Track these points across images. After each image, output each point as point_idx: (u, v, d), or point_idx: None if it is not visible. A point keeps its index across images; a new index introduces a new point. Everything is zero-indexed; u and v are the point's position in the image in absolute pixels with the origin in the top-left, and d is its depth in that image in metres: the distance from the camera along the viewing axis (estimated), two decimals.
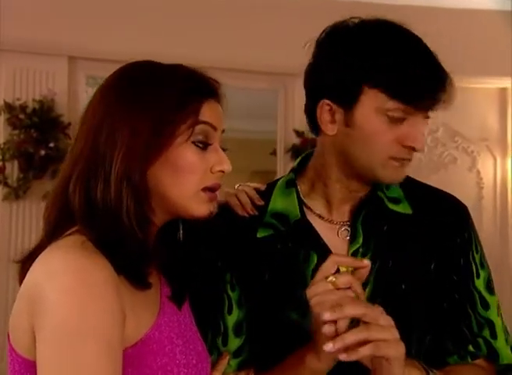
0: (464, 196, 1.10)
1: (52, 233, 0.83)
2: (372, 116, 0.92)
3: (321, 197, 1.03)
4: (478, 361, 1.01)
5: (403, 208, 1.01)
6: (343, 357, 0.77)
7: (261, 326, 1.00)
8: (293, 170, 1.05)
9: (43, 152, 3.23)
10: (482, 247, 1.04)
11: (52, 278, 0.76)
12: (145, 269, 0.84)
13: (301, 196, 1.03)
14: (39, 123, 3.28)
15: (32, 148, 3.23)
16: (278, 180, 1.07)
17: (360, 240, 0.99)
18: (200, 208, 0.88)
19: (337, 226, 1.01)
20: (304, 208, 1.02)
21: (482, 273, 1.02)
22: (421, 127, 0.92)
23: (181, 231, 0.94)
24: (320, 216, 1.02)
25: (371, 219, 0.99)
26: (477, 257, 1.02)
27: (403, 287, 0.97)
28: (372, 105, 0.91)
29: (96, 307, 0.75)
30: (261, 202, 1.04)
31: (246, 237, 1.01)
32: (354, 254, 0.98)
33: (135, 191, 0.83)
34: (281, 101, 3.84)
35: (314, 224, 1.00)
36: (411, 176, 1.10)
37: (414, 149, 0.93)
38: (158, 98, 0.85)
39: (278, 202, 1.03)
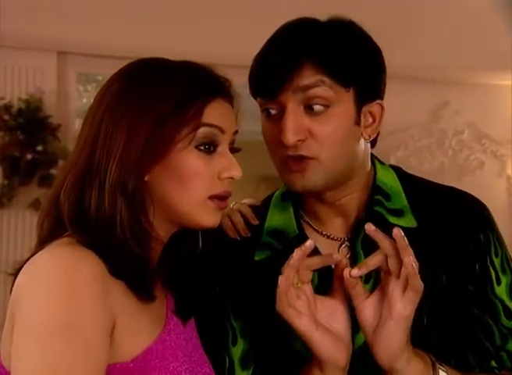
0: (493, 204, 1.09)
1: (45, 242, 0.84)
2: (261, 113, 0.98)
3: (311, 209, 1.02)
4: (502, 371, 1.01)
5: (407, 222, 0.99)
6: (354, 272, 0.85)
7: (268, 356, 0.99)
8: None
9: (29, 156, 3.24)
10: (507, 249, 1.02)
11: (35, 273, 0.78)
12: (148, 280, 0.85)
13: (299, 209, 1.02)
14: (25, 124, 3.29)
15: (18, 152, 3.24)
16: (274, 193, 1.07)
17: None
18: (208, 217, 0.88)
19: (337, 243, 1.01)
20: (303, 223, 1.02)
21: (504, 279, 1.00)
22: (291, 119, 0.93)
23: (200, 241, 0.95)
24: (318, 231, 1.02)
25: (372, 239, 0.97)
26: (496, 261, 1.00)
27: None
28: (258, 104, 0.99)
29: (77, 304, 0.75)
30: (256, 222, 1.04)
31: (243, 260, 1.02)
32: None
33: (130, 201, 0.83)
34: None
35: (313, 239, 0.98)
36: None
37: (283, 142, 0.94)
38: (156, 98, 0.85)
39: (274, 218, 1.03)
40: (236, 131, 0.91)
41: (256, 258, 1.01)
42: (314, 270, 0.95)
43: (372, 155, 1.04)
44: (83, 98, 3.88)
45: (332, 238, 1.01)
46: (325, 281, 0.94)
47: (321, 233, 1.01)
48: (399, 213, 1.00)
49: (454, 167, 3.95)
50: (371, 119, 0.98)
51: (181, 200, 0.86)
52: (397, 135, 3.74)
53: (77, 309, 0.75)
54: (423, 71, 3.57)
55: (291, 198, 1.03)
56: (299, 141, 0.93)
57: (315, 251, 0.98)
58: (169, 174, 0.85)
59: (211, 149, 0.87)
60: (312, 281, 0.93)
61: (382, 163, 1.05)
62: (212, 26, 3.49)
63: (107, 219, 0.83)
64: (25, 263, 0.83)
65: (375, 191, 1.01)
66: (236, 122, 0.92)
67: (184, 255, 0.95)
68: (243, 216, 1.06)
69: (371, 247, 0.98)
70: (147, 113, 0.84)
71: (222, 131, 0.88)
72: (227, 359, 1.00)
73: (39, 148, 3.26)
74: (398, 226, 0.98)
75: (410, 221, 1.00)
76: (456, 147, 3.99)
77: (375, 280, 0.94)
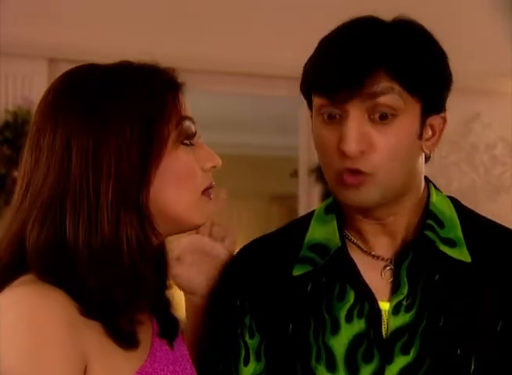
0: None
1: (2, 284, 0.84)
2: (314, 117, 1.01)
3: (354, 225, 1.04)
4: None
5: (460, 255, 1.00)
6: None
7: None
8: None
9: (17, 174, 3.24)
10: None
11: None
12: (133, 324, 0.85)
13: (341, 225, 1.04)
14: (12, 138, 3.30)
15: (4, 169, 3.25)
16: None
17: (405, 290, 0.99)
18: (201, 214, 0.93)
19: (381, 264, 1.02)
20: (346, 240, 1.04)
21: None
22: (354, 127, 0.94)
23: (169, 256, 0.99)
24: (361, 249, 1.03)
25: (419, 265, 0.99)
26: None
27: (459, 352, 0.95)
28: (313, 105, 1.01)
29: (43, 355, 0.76)
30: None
31: (278, 275, 1.04)
32: (397, 307, 0.98)
33: (140, 216, 0.85)
34: (303, 111, 3.84)
35: (354, 257, 1.02)
36: (465, 203, 1.09)
37: (345, 154, 0.95)
38: (135, 101, 0.87)
39: (316, 232, 1.06)
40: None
41: (294, 273, 1.03)
42: (351, 288, 0.99)
43: (427, 178, 1.05)
44: None
45: (375, 257, 1.02)
46: (373, 327, 0.97)
47: (365, 251, 1.02)
48: (452, 243, 1.00)
49: (487, 186, 3.92)
50: (430, 132, 1.00)
51: (179, 201, 0.89)
52: None
53: (44, 361, 0.76)
54: None
55: (335, 211, 1.04)
56: (361, 152, 0.94)
57: (355, 272, 1.00)
58: (164, 178, 0.88)
59: (193, 141, 0.91)
60: (347, 300, 0.98)
61: (437, 190, 1.06)
62: (210, 32, 3.51)
63: (107, 245, 0.83)
64: None
65: (428, 215, 1.02)
66: None
67: (163, 276, 0.97)
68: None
69: (417, 274, 0.99)
70: (132, 121, 0.86)
71: (193, 122, 0.92)
72: None
73: None
74: (449, 256, 0.99)
75: (463, 254, 1.00)
76: (488, 163, 3.96)
77: (420, 347, 0.95)
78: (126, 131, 0.85)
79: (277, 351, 1.01)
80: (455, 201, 1.08)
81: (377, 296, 0.99)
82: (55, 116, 0.88)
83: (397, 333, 0.97)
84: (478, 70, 3.66)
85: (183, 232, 0.96)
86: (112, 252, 0.84)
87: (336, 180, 0.98)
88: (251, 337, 1.03)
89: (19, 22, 3.34)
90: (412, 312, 0.98)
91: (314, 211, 1.10)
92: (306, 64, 1.01)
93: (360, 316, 0.98)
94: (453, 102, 1.08)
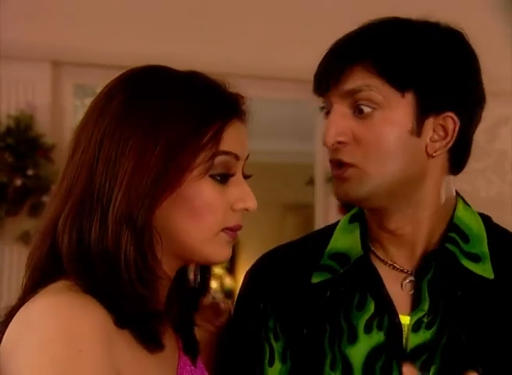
0: None
1: (38, 285, 0.86)
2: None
3: (375, 237, 1.06)
4: None
5: (483, 271, 1.01)
6: None
7: None
8: None
9: (19, 182, 3.26)
10: None
11: (28, 329, 0.79)
12: (156, 327, 0.87)
13: (365, 237, 1.06)
14: (14, 145, 3.32)
15: (5, 177, 3.26)
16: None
17: (426, 306, 1.00)
18: (220, 251, 0.92)
19: (402, 275, 1.03)
20: (368, 250, 1.06)
21: None
22: (333, 119, 1.00)
23: (194, 274, 0.99)
24: (382, 260, 1.05)
25: (441, 279, 1.01)
26: None
27: (481, 370, 0.94)
28: None
29: (79, 369, 0.76)
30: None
31: (298, 281, 1.07)
32: (417, 324, 0.99)
33: (137, 235, 0.85)
34: (320, 115, 3.82)
35: (377, 268, 1.03)
36: (490, 215, 1.10)
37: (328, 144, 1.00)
38: (172, 117, 0.87)
39: (339, 241, 1.09)
40: (248, 156, 0.94)
41: (313, 280, 1.06)
42: (371, 298, 1.02)
43: (458, 193, 1.06)
44: (80, 114, 3.91)
45: (396, 269, 1.04)
46: (393, 342, 0.98)
47: (386, 262, 1.05)
48: (475, 259, 1.01)
49: None
50: (442, 133, 1.00)
51: (192, 234, 0.89)
52: None
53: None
54: None
55: (359, 220, 1.08)
56: (340, 143, 0.99)
57: (378, 282, 1.03)
58: (179, 206, 0.88)
59: (226, 178, 0.89)
60: (367, 310, 1.00)
61: (467, 204, 1.07)
62: (219, 33, 3.52)
63: (109, 255, 0.85)
64: (15, 309, 0.84)
65: (451, 228, 1.04)
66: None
67: (187, 289, 0.99)
68: None
69: (439, 289, 1.01)
70: (160, 137, 0.85)
71: (237, 158, 0.91)
72: None
73: (30, 172, 3.28)
74: (471, 271, 0.99)
75: (486, 270, 1.01)
76: None
77: (441, 365, 0.96)
78: (147, 148, 0.85)
79: (296, 356, 1.04)
80: (487, 219, 1.09)
81: (397, 309, 1.01)
82: (96, 113, 0.89)
83: (417, 351, 0.98)
84: (504, 73, 3.64)
85: (203, 264, 0.96)
86: (111, 267, 0.85)
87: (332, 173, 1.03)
88: (276, 339, 1.06)
89: (20, 24, 3.35)
90: (433, 330, 0.99)
91: (338, 222, 1.13)
92: None
93: (379, 328, 1.01)
94: None
